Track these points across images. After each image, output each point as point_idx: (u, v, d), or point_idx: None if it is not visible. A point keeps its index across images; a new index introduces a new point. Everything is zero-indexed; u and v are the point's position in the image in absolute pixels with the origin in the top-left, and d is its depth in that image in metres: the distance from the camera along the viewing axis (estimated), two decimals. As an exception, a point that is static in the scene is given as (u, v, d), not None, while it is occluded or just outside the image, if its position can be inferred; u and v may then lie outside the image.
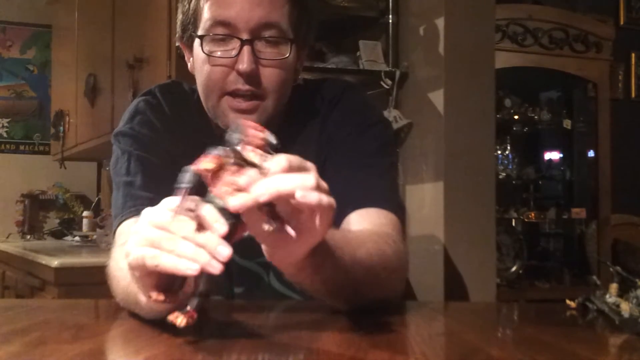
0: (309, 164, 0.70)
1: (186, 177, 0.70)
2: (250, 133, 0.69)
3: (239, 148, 0.69)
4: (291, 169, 0.67)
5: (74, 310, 1.10)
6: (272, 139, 0.70)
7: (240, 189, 0.66)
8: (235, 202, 0.66)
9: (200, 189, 0.70)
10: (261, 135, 0.69)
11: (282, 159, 0.67)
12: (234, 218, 0.69)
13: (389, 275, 0.99)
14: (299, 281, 0.84)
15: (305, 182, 0.66)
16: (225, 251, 0.67)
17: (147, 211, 0.74)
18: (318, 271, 0.81)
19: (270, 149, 0.70)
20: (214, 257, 0.67)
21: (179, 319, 0.69)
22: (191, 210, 0.70)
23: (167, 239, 0.70)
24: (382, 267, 0.96)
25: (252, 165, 0.68)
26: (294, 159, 0.68)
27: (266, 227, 0.67)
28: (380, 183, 1.13)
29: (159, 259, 0.70)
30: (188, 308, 0.70)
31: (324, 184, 0.70)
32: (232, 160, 0.68)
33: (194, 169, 0.68)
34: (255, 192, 0.65)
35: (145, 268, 0.72)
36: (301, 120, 1.19)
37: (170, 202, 0.72)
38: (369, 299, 0.95)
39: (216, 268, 0.67)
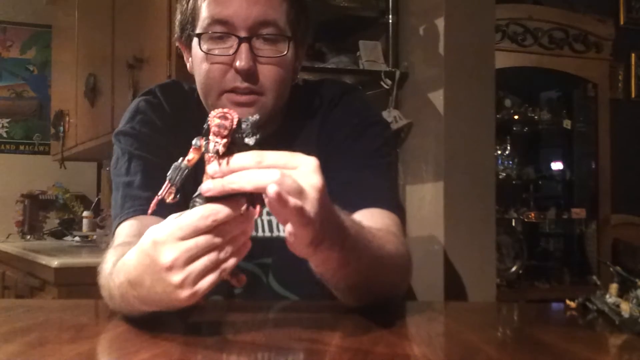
0: (301, 160, 0.70)
1: (170, 171, 0.72)
2: (210, 122, 0.70)
3: (210, 137, 0.70)
4: (261, 164, 0.68)
5: (73, 310, 1.10)
6: (242, 124, 0.70)
7: (213, 177, 0.69)
8: (205, 187, 0.69)
9: (188, 180, 0.72)
10: (216, 122, 0.69)
11: (253, 155, 0.68)
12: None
13: (402, 272, 1.02)
14: (323, 272, 0.85)
15: (268, 179, 0.66)
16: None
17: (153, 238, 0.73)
18: (343, 264, 0.82)
19: (242, 134, 0.70)
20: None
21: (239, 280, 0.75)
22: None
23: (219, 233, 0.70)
24: (397, 264, 0.98)
25: (217, 153, 0.69)
26: (272, 155, 0.69)
27: (242, 209, 0.70)
28: (381, 183, 1.13)
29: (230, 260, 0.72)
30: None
31: (299, 185, 0.68)
32: (204, 150, 0.70)
33: (178, 163, 0.71)
34: (227, 180, 0.68)
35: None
36: (300, 120, 1.19)
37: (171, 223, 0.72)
38: (380, 296, 0.96)
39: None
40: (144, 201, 1.07)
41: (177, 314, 0.88)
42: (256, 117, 0.72)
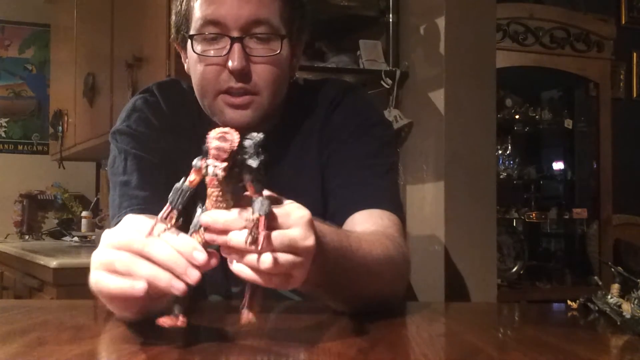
0: (294, 220, 0.69)
1: (171, 193, 0.69)
2: (208, 143, 0.66)
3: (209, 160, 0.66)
4: (229, 224, 0.67)
5: (72, 310, 1.09)
6: (245, 143, 0.67)
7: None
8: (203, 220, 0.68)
9: (190, 202, 0.69)
10: (215, 144, 0.65)
11: (223, 215, 0.67)
12: None
13: (393, 277, 1.00)
14: (308, 291, 0.85)
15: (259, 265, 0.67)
16: (193, 275, 0.67)
17: (107, 233, 0.73)
18: (325, 281, 0.82)
19: (245, 154, 0.67)
20: (181, 277, 0.67)
21: (172, 322, 0.69)
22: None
23: (137, 262, 0.69)
24: (388, 270, 0.96)
25: (216, 177, 0.66)
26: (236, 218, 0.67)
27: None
28: (382, 184, 1.13)
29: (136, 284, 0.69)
30: (176, 312, 0.69)
31: (291, 260, 0.68)
32: (205, 173, 0.67)
33: (179, 184, 0.69)
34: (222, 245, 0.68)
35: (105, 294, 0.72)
36: (301, 120, 1.19)
37: (132, 222, 0.71)
38: (372, 301, 0.95)
39: (180, 289, 0.67)
40: (141, 200, 1.06)
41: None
42: (260, 136, 0.68)
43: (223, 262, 0.70)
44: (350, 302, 0.94)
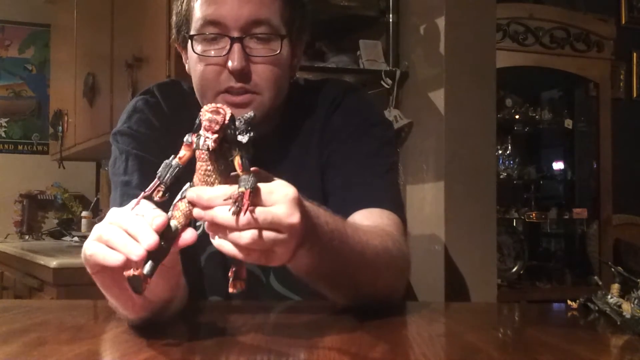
0: (278, 197, 0.70)
1: (160, 168, 0.71)
2: (201, 116, 0.68)
3: (201, 133, 0.68)
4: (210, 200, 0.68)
5: (72, 311, 1.09)
6: (236, 121, 0.69)
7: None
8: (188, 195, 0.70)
9: (179, 177, 0.71)
10: (207, 116, 0.67)
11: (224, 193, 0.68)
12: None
13: (391, 273, 1.00)
14: (301, 274, 0.86)
15: (221, 219, 0.68)
16: (150, 239, 0.67)
17: (112, 210, 0.75)
18: (319, 263, 0.82)
19: (235, 130, 0.69)
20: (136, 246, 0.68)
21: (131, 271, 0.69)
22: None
23: (108, 232, 0.71)
24: (384, 262, 0.96)
25: (207, 149, 0.68)
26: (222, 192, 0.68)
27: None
28: (382, 183, 1.13)
29: (95, 251, 0.72)
30: (145, 270, 0.69)
31: (274, 238, 0.69)
32: (195, 147, 0.69)
33: (169, 160, 0.71)
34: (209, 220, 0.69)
35: (90, 265, 0.74)
36: (301, 120, 1.19)
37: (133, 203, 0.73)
38: (369, 296, 0.96)
39: (137, 255, 0.67)
40: (141, 200, 1.06)
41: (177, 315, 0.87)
42: (251, 114, 0.70)
43: (223, 263, 0.71)
44: (345, 291, 0.94)
